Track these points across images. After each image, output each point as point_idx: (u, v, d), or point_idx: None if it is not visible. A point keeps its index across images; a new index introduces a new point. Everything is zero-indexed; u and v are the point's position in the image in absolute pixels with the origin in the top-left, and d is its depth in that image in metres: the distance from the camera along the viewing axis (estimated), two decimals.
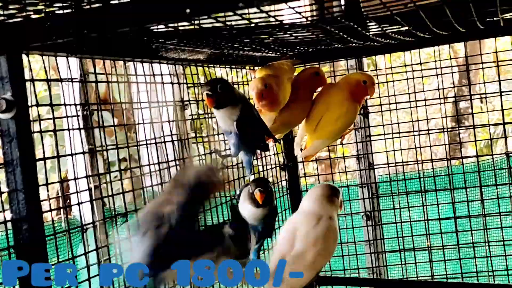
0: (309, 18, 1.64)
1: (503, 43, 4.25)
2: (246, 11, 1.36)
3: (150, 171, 2.09)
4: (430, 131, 2.94)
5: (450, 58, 2.87)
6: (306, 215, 2.02)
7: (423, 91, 2.92)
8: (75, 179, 1.76)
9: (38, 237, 1.39)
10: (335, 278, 2.76)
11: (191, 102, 2.48)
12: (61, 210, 1.83)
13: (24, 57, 1.41)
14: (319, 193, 2.05)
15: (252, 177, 2.40)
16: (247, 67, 2.59)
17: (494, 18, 1.94)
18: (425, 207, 2.90)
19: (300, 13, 1.52)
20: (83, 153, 1.83)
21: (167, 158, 2.16)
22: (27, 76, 1.42)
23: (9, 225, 1.42)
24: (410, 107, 2.87)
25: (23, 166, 1.36)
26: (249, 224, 2.04)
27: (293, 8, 1.46)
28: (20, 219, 1.37)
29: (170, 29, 1.59)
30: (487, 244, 2.88)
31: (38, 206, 1.40)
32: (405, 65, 2.95)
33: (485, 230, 2.88)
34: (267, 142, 2.26)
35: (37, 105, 1.55)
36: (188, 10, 1.16)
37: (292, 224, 2.02)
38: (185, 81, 2.42)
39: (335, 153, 3.50)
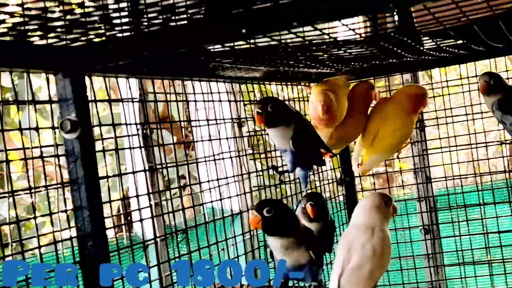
0: (363, 35, 1.65)
1: None
2: (300, 29, 1.39)
3: (210, 187, 2.12)
4: (488, 144, 2.91)
5: (507, 70, 2.84)
6: (359, 228, 2.02)
7: (480, 103, 2.89)
8: (136, 196, 1.80)
9: (102, 253, 1.44)
10: None
11: (247, 119, 2.51)
12: (123, 226, 1.88)
13: (86, 79, 1.46)
14: (369, 204, 2.05)
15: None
16: (302, 84, 2.60)
17: None
18: (484, 220, 2.87)
19: (354, 30, 1.54)
20: (144, 171, 1.88)
21: (226, 175, 2.19)
22: (89, 97, 1.47)
23: (74, 241, 1.47)
24: (467, 120, 2.85)
25: (87, 184, 1.41)
26: None
27: (346, 25, 1.48)
28: (85, 236, 1.42)
29: (226, 48, 1.62)
30: None
31: (102, 223, 1.45)
32: (461, 78, 2.93)
33: None
34: (323, 157, 2.26)
35: (100, 125, 1.60)
36: (244, 30, 1.19)
37: (347, 238, 2.02)
38: (241, 99, 2.44)
39: (392, 168, 3.48)
